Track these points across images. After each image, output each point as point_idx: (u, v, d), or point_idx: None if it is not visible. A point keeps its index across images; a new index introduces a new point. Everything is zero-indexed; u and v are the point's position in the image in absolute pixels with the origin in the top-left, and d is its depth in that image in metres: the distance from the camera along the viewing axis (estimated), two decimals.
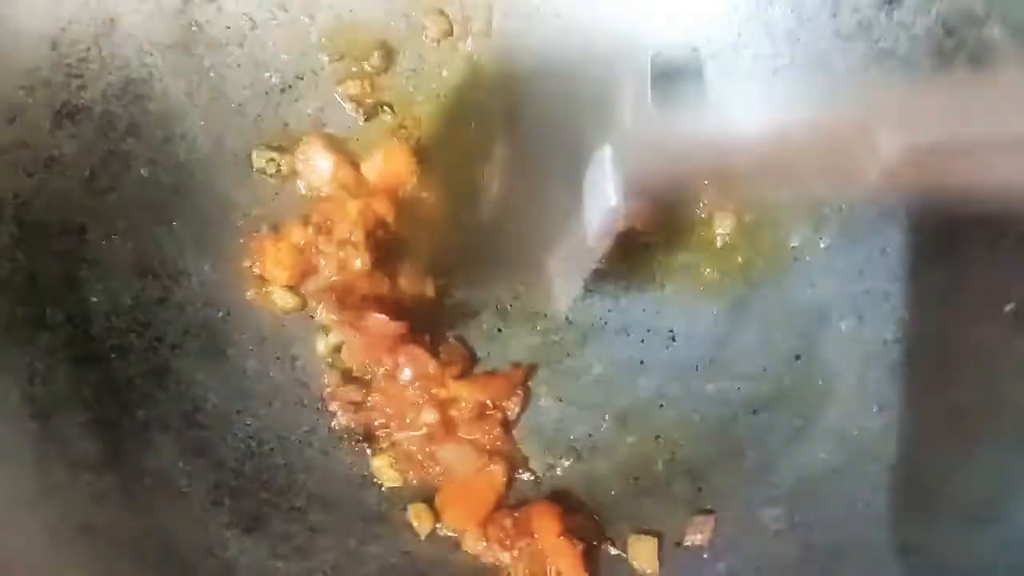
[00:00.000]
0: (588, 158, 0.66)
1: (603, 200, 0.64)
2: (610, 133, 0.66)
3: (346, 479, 0.74)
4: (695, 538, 0.72)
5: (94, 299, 0.71)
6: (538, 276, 0.73)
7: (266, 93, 0.80)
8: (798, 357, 0.76)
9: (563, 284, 0.73)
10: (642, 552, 0.73)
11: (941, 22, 0.71)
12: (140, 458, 0.68)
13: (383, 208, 0.79)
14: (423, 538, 0.73)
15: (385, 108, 0.83)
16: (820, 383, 0.75)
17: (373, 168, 0.80)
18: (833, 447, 0.73)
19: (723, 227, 0.80)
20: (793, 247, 0.78)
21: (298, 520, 0.71)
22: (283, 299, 0.77)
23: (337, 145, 0.81)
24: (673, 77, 0.78)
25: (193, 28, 0.76)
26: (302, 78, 0.81)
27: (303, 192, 0.80)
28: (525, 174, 0.78)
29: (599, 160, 0.65)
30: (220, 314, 0.76)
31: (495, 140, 0.81)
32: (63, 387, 0.67)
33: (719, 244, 0.80)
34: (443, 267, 0.80)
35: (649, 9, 0.82)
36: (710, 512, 0.73)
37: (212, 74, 0.78)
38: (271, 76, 0.80)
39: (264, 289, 0.77)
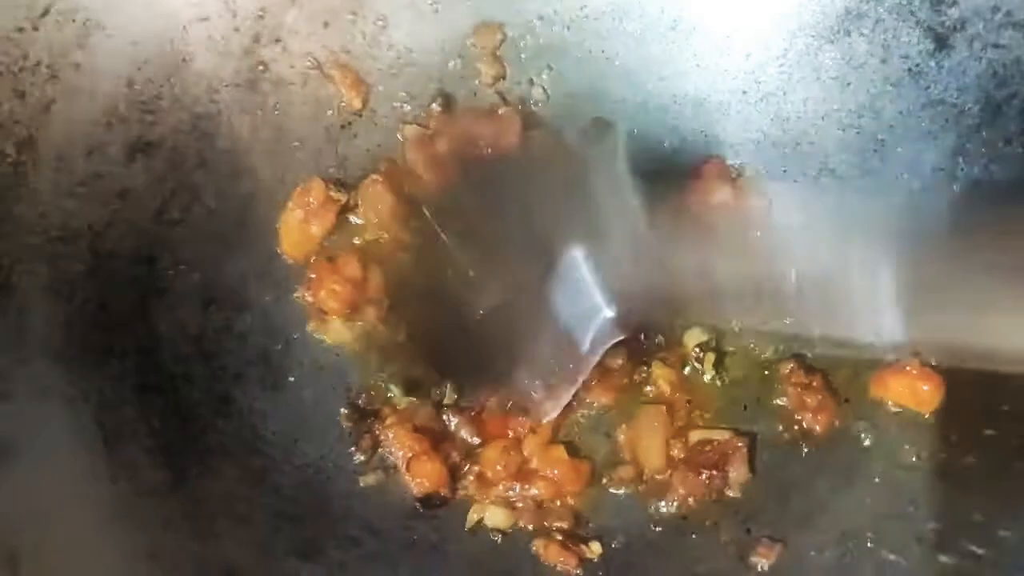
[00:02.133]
0: (561, 257, 0.60)
1: (586, 307, 0.58)
2: (586, 226, 0.60)
3: (399, 509, 0.75)
4: (761, 561, 0.72)
5: (162, 327, 0.74)
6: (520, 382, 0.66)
7: (326, 129, 0.83)
8: (847, 400, 0.77)
9: (548, 393, 0.64)
10: None
11: (992, 71, 0.72)
12: (203, 483, 0.70)
13: None
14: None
15: None
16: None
17: None
18: (878, 493, 0.73)
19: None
20: None
21: (352, 548, 0.72)
22: (340, 331, 0.79)
23: (396, 185, 0.82)
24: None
25: (259, 68, 0.80)
26: (360, 115, 0.84)
27: (360, 224, 0.82)
28: (495, 272, 0.70)
29: (573, 263, 0.58)
30: (279, 345, 0.78)
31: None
32: (131, 413, 0.69)
33: None
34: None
35: (699, 53, 0.84)
36: (777, 540, 0.72)
37: (276, 112, 0.81)
38: (331, 113, 0.83)
39: (322, 321, 0.79)
